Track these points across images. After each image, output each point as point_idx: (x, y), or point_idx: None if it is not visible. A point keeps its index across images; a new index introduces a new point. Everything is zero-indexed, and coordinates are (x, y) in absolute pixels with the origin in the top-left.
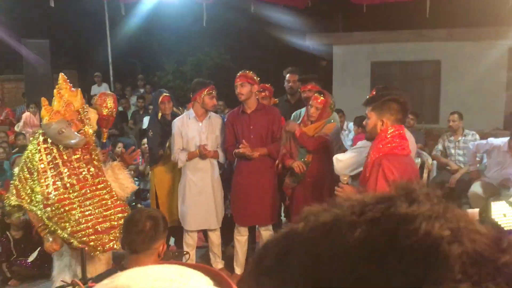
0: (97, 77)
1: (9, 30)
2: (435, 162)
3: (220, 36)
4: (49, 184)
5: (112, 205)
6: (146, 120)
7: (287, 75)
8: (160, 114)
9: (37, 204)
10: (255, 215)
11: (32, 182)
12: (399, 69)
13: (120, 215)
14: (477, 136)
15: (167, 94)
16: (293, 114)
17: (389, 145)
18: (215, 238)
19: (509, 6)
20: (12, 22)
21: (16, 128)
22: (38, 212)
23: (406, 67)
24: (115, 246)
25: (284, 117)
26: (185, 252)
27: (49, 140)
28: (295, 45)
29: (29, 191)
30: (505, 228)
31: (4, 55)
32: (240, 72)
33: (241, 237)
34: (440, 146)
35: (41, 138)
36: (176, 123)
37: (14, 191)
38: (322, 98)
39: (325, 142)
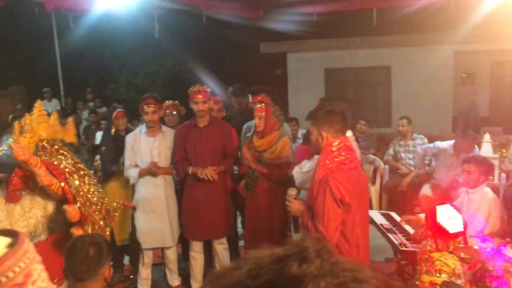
0: (46, 93)
1: None
2: (387, 166)
3: (173, 47)
4: None
5: None
6: (98, 136)
7: (233, 98)
8: (113, 130)
9: None
10: (207, 229)
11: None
12: (352, 75)
13: None
14: (425, 140)
15: (121, 110)
16: (244, 126)
17: (336, 159)
18: (171, 254)
19: (452, 11)
20: None
21: None
22: None
23: (358, 73)
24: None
25: (238, 128)
26: (131, 276)
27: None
28: (250, 54)
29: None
30: (450, 231)
31: None
32: (198, 88)
33: (195, 253)
34: (391, 151)
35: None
36: (128, 138)
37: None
38: (262, 106)
39: (289, 166)
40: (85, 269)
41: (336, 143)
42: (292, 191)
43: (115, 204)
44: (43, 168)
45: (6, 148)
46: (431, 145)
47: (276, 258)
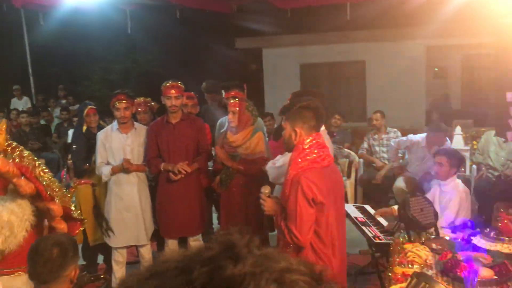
0: (16, 91)
1: None
2: (361, 160)
3: (147, 42)
4: None
5: None
6: (71, 134)
7: (207, 94)
8: (85, 127)
9: None
10: (182, 226)
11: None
12: (327, 70)
13: None
14: (399, 133)
15: (93, 107)
16: (218, 122)
17: (308, 157)
18: (146, 252)
19: (424, 6)
20: None
21: None
22: None
23: (333, 68)
24: None
25: (212, 124)
26: (102, 276)
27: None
28: (225, 49)
29: None
30: (423, 223)
31: None
32: (171, 83)
33: None
34: (365, 144)
35: None
36: (100, 135)
37: None
38: (236, 101)
39: (264, 162)
40: (47, 272)
41: (308, 140)
42: (265, 189)
43: (72, 184)
44: (23, 178)
45: None
46: (404, 138)
47: (205, 259)
